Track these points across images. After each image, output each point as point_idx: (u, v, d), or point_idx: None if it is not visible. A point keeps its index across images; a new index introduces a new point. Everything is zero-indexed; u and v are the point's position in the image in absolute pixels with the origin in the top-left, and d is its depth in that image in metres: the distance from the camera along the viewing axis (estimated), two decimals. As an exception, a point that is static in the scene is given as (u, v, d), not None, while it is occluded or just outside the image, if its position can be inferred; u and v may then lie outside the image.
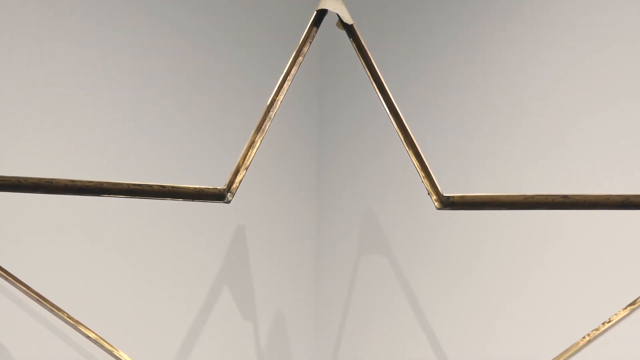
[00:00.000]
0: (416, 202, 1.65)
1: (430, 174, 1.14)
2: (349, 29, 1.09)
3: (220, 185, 1.14)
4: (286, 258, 1.77)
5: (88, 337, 1.15)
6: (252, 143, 1.18)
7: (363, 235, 1.77)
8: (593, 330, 1.15)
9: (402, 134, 1.17)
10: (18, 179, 1.07)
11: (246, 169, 1.16)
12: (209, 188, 1.13)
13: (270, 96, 1.19)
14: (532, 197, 1.12)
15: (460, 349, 1.54)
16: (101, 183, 1.10)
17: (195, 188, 1.12)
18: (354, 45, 1.11)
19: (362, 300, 1.74)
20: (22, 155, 1.36)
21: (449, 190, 1.15)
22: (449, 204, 1.14)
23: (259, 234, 1.71)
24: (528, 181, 1.47)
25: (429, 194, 1.14)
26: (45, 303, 1.17)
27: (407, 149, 1.18)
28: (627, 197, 1.10)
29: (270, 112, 1.19)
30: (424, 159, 1.15)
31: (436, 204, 1.14)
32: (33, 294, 1.18)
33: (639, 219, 1.31)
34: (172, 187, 1.11)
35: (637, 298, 1.15)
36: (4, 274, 1.19)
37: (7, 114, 1.35)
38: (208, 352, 1.58)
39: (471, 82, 1.60)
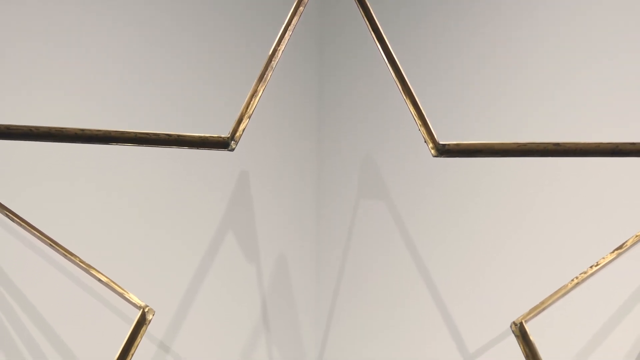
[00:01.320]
0: (413, 149, 1.66)
1: (427, 123, 1.15)
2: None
3: (224, 133, 1.16)
4: (288, 202, 1.78)
5: (100, 280, 1.17)
6: (255, 92, 1.19)
7: (362, 180, 1.78)
8: (581, 274, 1.16)
9: (400, 83, 1.18)
10: (29, 127, 1.09)
11: (249, 117, 1.18)
12: (213, 136, 1.14)
13: (271, 46, 1.20)
14: (525, 145, 1.13)
15: (454, 288, 1.56)
16: (109, 132, 1.11)
17: (200, 136, 1.14)
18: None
19: (361, 243, 1.75)
20: (32, 107, 1.37)
21: (445, 139, 1.17)
22: (444, 151, 1.15)
23: (262, 180, 1.72)
24: (522, 130, 1.48)
25: (425, 141, 1.16)
26: (59, 248, 1.19)
27: (404, 97, 1.19)
28: (617, 145, 1.12)
29: (272, 62, 1.20)
30: (421, 108, 1.17)
31: (432, 151, 1.15)
32: (46, 240, 1.20)
33: (628, 166, 1.32)
34: (178, 135, 1.13)
35: (624, 243, 1.17)
36: (19, 221, 1.21)
37: (17, 67, 1.36)
38: (214, 293, 1.60)
39: (468, 33, 1.59)
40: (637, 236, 1.18)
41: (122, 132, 1.12)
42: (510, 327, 1.10)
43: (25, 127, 1.09)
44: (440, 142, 1.14)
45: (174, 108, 1.58)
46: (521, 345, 1.08)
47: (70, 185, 1.41)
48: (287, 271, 1.76)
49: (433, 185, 1.63)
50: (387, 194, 1.71)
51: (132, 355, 1.07)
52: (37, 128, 1.09)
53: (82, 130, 1.10)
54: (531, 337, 1.07)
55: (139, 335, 1.08)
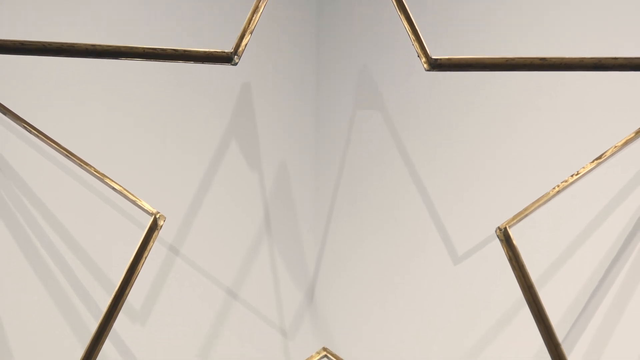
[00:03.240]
0: (409, 63, 1.66)
1: (420, 38, 1.15)
2: None
3: (228, 49, 1.16)
4: (288, 113, 1.79)
5: (113, 188, 1.18)
6: (256, 8, 1.19)
7: (359, 92, 1.77)
8: (562, 182, 1.17)
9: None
10: (43, 43, 1.10)
11: (251, 33, 1.18)
12: (217, 51, 1.15)
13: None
14: (513, 59, 1.14)
15: (445, 194, 1.58)
16: (119, 47, 1.12)
17: (205, 51, 1.15)
18: None
19: (358, 151, 1.76)
20: (45, 24, 1.37)
21: (437, 54, 1.18)
22: (436, 65, 1.16)
23: (263, 92, 1.72)
24: (511, 47, 1.48)
25: (418, 56, 1.16)
26: (75, 158, 1.20)
27: (399, 13, 1.19)
28: (599, 59, 1.13)
29: (272, -21, 1.20)
30: (415, 24, 1.17)
31: (425, 65, 1.16)
32: (63, 151, 1.21)
33: (609, 80, 1.33)
34: (184, 50, 1.14)
35: (603, 153, 1.19)
36: (37, 133, 1.22)
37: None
38: (219, 200, 1.62)
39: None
40: (615, 147, 1.19)
41: (131, 47, 1.13)
42: (495, 232, 1.10)
43: (38, 43, 1.10)
44: (433, 57, 1.15)
45: (180, 26, 1.57)
46: (505, 249, 1.08)
47: (83, 100, 1.42)
48: (287, 178, 1.77)
49: (427, 98, 1.63)
50: (383, 105, 1.71)
51: (145, 258, 1.08)
52: (49, 44, 1.10)
53: (93, 45, 1.11)
54: (514, 241, 1.08)
55: (151, 239, 1.09)
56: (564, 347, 1.23)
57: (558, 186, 1.17)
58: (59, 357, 1.32)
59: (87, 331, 1.36)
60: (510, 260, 1.08)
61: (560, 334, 1.33)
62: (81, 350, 1.29)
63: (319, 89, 1.86)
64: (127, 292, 1.07)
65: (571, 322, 1.34)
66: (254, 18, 1.19)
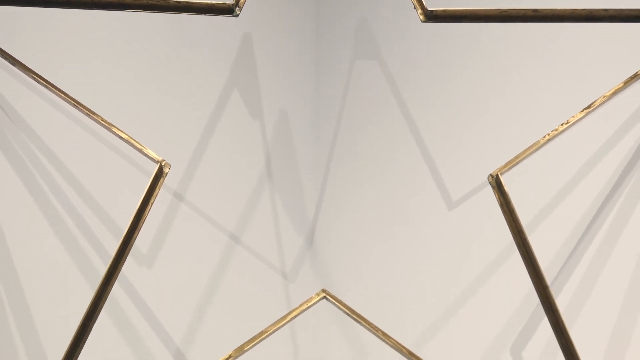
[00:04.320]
0: (405, 14, 1.65)
1: (416, -10, 1.15)
2: None
3: (229, 0, 1.16)
4: (288, 62, 1.78)
5: (120, 137, 1.18)
6: (257, -39, 1.19)
7: (357, 42, 1.77)
8: (553, 131, 1.17)
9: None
10: (48, -5, 1.09)
11: (252, -15, 1.17)
12: (219, 3, 1.14)
13: None
14: (506, 11, 1.14)
15: (440, 143, 1.59)
16: (123, -1, 1.12)
17: (207, 3, 1.14)
18: None
19: (356, 100, 1.76)
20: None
21: (433, 6, 1.18)
22: (432, 17, 1.16)
23: (264, 43, 1.72)
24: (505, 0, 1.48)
25: (415, 7, 1.16)
26: (82, 108, 1.20)
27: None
28: (591, 11, 1.13)
29: None
30: (411, -23, 1.16)
31: (421, 17, 1.15)
32: (71, 100, 1.21)
33: (600, 32, 1.34)
34: (187, 2, 1.12)
35: (592, 103, 1.19)
36: (45, 83, 1.22)
37: None
38: (221, 146, 1.62)
39: None
40: (604, 97, 1.20)
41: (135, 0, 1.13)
42: (488, 178, 1.11)
43: (45, -6, 1.09)
44: (429, 9, 1.15)
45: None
46: (496, 195, 1.09)
47: (90, 52, 1.42)
48: (287, 126, 1.78)
49: (424, 49, 1.63)
50: (381, 56, 1.71)
51: (152, 204, 1.08)
52: (55, -5, 1.09)
53: (98, -4, 1.11)
54: (505, 188, 1.08)
55: (157, 186, 1.09)
56: (552, 290, 1.24)
57: (548, 135, 1.17)
58: (70, 300, 1.33)
59: (97, 275, 1.37)
60: (501, 205, 1.08)
61: (548, 276, 1.35)
62: (91, 293, 1.30)
63: (319, 40, 1.85)
64: (134, 236, 1.08)
65: (559, 266, 1.36)
66: (254, -30, 1.18)
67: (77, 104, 1.20)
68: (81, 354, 1.05)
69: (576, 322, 1.33)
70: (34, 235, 1.31)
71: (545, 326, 1.35)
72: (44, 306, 1.30)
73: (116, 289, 1.40)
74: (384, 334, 1.22)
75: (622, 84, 1.22)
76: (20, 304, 1.27)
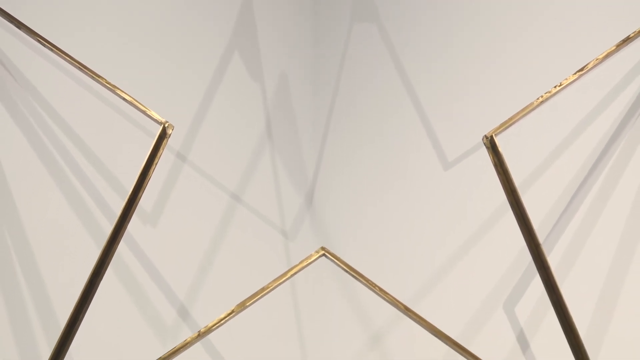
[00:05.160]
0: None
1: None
2: None
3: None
4: (288, 25, 1.78)
5: (124, 99, 1.17)
6: None
7: (356, 5, 1.76)
8: (546, 93, 1.16)
9: None
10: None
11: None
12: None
13: None
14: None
15: (437, 105, 1.59)
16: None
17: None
18: None
19: (354, 61, 1.76)
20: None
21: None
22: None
23: (264, 5, 1.71)
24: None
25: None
26: (87, 71, 1.19)
27: None
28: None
29: None
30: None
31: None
32: (76, 63, 1.20)
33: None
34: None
35: (585, 65, 1.18)
36: (50, 47, 1.21)
37: None
38: (222, 108, 1.63)
39: None
40: (597, 59, 1.19)
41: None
42: (482, 139, 1.10)
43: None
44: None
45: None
46: (491, 155, 1.08)
47: (95, 16, 1.42)
48: (287, 87, 1.77)
49: (421, 12, 1.63)
50: (379, 18, 1.70)
51: (156, 164, 1.08)
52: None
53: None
54: (499, 148, 1.08)
55: (161, 147, 1.08)
56: (544, 248, 1.25)
57: (542, 96, 1.15)
58: (77, 257, 1.35)
59: (103, 233, 1.38)
60: (495, 166, 1.08)
61: (541, 235, 1.36)
62: (98, 250, 1.32)
63: (317, 1, 1.84)
64: (139, 196, 1.07)
65: (552, 224, 1.38)
66: None
67: (82, 67, 1.19)
68: (88, 310, 1.07)
69: (567, 279, 1.34)
70: (41, 195, 1.32)
71: (537, 283, 1.36)
72: (52, 264, 1.32)
73: (122, 247, 1.41)
74: (381, 290, 1.23)
75: (614, 47, 1.22)
76: (28, 262, 1.29)
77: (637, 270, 1.28)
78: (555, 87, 1.17)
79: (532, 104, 1.15)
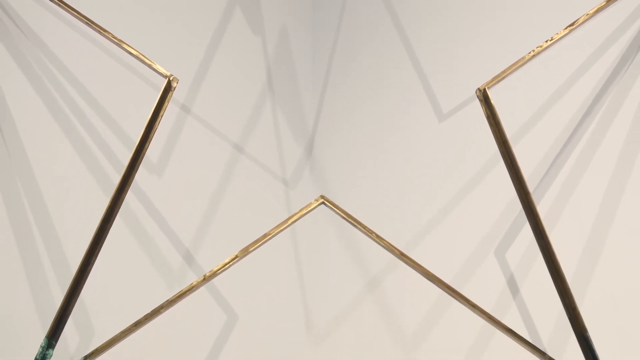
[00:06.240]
0: None
1: None
2: None
3: None
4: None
5: (130, 53, 1.16)
6: None
7: None
8: (537, 47, 1.15)
9: None
10: None
11: None
12: None
13: None
14: None
15: (432, 62, 1.59)
16: None
17: None
18: None
19: (353, 15, 1.75)
20: None
21: None
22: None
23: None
24: None
25: None
26: (94, 26, 1.18)
27: None
28: None
29: None
30: None
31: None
32: (83, 18, 1.19)
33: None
34: None
35: (575, 20, 1.18)
36: (58, 3, 1.20)
37: None
38: (225, 61, 1.62)
39: None
40: (587, 14, 1.19)
41: None
42: (475, 92, 1.10)
43: None
44: None
45: None
46: (483, 108, 1.08)
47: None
48: (287, 41, 1.77)
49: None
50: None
51: (161, 116, 1.08)
52: None
53: None
54: (492, 101, 1.08)
55: (166, 100, 1.08)
56: (534, 197, 1.26)
57: (533, 51, 1.15)
58: (87, 206, 1.36)
59: (111, 183, 1.39)
60: (488, 117, 1.08)
61: (531, 184, 1.37)
62: (106, 200, 1.32)
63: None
64: (145, 147, 1.08)
65: (541, 174, 1.38)
66: None
67: (90, 22, 1.19)
68: (99, 255, 1.08)
69: (555, 227, 1.36)
70: (52, 147, 1.33)
71: (527, 230, 1.38)
72: (63, 213, 1.33)
73: (129, 196, 1.42)
74: (377, 236, 1.24)
75: (604, 2, 1.20)
76: (41, 210, 1.29)
77: (622, 218, 1.29)
78: (546, 41, 1.17)
79: (523, 57, 1.14)
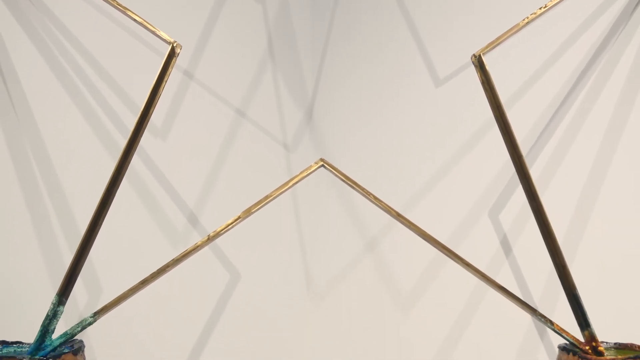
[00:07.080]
0: None
1: None
2: None
3: None
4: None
5: (135, 20, 1.16)
6: None
7: None
8: (531, 14, 1.16)
9: None
10: None
11: None
12: None
13: None
14: None
15: (431, 21, 1.58)
16: None
17: None
18: None
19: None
20: None
21: None
22: None
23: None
24: None
25: None
26: None
27: None
28: None
29: None
30: None
31: None
32: None
33: None
34: None
35: None
36: None
37: None
38: (227, 28, 1.61)
39: None
40: None
41: None
42: (471, 58, 1.11)
43: None
44: None
45: None
46: (479, 73, 1.09)
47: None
48: (287, 7, 1.76)
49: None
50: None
51: (165, 82, 1.09)
52: None
53: None
54: (487, 67, 1.08)
55: (170, 66, 1.08)
56: (527, 160, 1.27)
57: (527, 18, 1.15)
58: (94, 169, 1.36)
59: (117, 147, 1.39)
60: (482, 83, 1.09)
61: (524, 148, 1.38)
62: (113, 163, 1.31)
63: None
64: (150, 112, 1.08)
65: (534, 138, 1.39)
66: None
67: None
68: (106, 217, 1.09)
69: (547, 189, 1.36)
70: (60, 112, 1.33)
71: (520, 192, 1.39)
72: (72, 175, 1.33)
73: (135, 160, 1.43)
74: (375, 198, 1.25)
75: (598, -30, 1.21)
76: (50, 174, 1.30)
77: (611, 181, 1.30)
78: (540, 8, 1.17)
79: (517, 24, 1.15)
